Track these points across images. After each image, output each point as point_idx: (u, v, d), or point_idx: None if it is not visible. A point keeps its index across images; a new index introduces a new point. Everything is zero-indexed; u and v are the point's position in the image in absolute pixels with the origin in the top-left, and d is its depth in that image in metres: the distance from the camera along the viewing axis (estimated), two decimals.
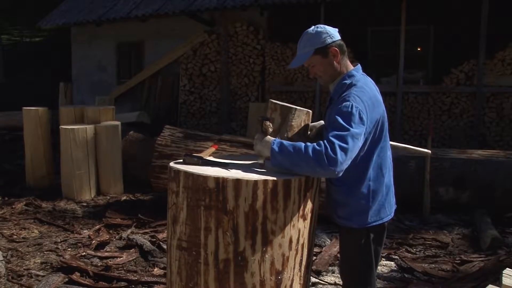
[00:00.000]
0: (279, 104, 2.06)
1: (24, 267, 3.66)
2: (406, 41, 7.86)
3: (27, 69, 16.44)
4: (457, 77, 7.60)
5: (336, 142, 1.78)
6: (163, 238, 4.18)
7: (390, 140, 2.15)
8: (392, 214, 2.14)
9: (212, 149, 2.40)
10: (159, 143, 5.29)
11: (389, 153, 2.10)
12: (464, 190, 5.01)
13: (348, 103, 1.88)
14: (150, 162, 5.28)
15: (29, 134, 6.20)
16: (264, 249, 1.80)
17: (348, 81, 2.02)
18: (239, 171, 1.87)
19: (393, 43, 8.66)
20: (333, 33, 2.03)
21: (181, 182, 1.84)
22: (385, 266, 3.80)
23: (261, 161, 1.98)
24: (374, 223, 2.05)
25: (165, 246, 3.95)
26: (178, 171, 1.86)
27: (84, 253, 3.91)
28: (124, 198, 5.77)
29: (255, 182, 1.75)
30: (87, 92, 11.53)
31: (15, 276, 3.47)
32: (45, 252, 3.99)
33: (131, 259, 3.83)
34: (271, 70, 8.86)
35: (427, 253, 4.12)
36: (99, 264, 3.73)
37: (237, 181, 1.74)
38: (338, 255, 3.23)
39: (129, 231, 4.46)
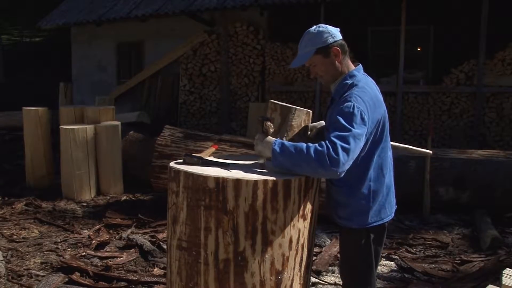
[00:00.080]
0: (279, 104, 2.06)
1: (24, 267, 3.66)
2: (406, 41, 7.86)
3: (27, 69, 16.44)
4: (457, 77, 7.60)
5: (338, 142, 1.77)
6: (163, 238, 4.18)
7: (390, 140, 2.15)
8: (393, 215, 2.14)
9: (212, 149, 2.40)
10: (159, 143, 5.29)
11: (389, 154, 2.10)
12: (464, 190, 5.01)
13: (349, 103, 1.88)
14: (150, 162, 5.28)
15: (29, 134, 6.20)
16: (264, 249, 1.80)
17: (349, 81, 2.01)
18: (240, 171, 1.87)
19: (393, 43, 8.65)
20: (335, 33, 2.02)
21: (181, 182, 1.84)
22: (385, 266, 3.80)
23: (261, 161, 1.98)
24: (375, 224, 2.05)
25: (165, 246, 3.95)
26: (178, 171, 1.86)
27: (84, 253, 3.91)
28: (124, 198, 5.77)
29: (255, 182, 1.75)
30: (87, 92, 11.53)
31: (15, 276, 3.47)
32: (45, 252, 3.99)
33: (131, 259, 3.83)
34: (271, 70, 8.86)
35: (427, 253, 4.12)
36: (99, 264, 3.73)
37: (237, 181, 1.74)
38: (338, 255, 3.23)
39: (129, 231, 4.46)
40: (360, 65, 2.10)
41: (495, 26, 7.37)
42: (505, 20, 7.55)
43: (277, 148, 1.84)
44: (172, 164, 1.97)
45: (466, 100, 7.62)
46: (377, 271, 2.86)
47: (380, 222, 2.07)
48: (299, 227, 1.88)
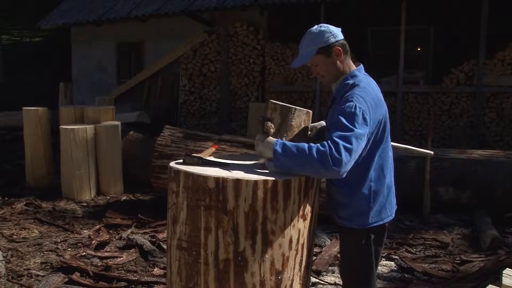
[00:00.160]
0: (279, 104, 2.06)
1: (24, 267, 3.66)
2: (406, 41, 7.86)
3: (27, 69, 16.44)
4: (457, 77, 7.60)
5: (341, 142, 1.77)
6: (163, 238, 4.18)
7: (391, 141, 2.15)
8: (393, 215, 2.14)
9: (212, 149, 2.40)
10: (159, 143, 5.29)
11: (390, 154, 2.10)
12: (464, 190, 5.00)
13: (351, 103, 1.87)
14: (150, 162, 5.28)
15: (29, 134, 6.20)
16: (264, 249, 1.80)
17: (350, 81, 2.01)
18: (240, 171, 1.87)
19: (393, 43, 8.65)
20: (337, 33, 2.02)
21: (181, 182, 1.84)
22: (385, 266, 3.80)
23: (262, 162, 1.97)
24: (375, 224, 2.05)
25: (165, 246, 3.95)
26: (178, 171, 1.86)
27: (84, 253, 3.91)
28: (124, 198, 5.77)
29: (255, 182, 1.74)
30: (87, 92, 11.53)
31: (15, 276, 3.47)
32: (45, 252, 3.99)
33: (131, 259, 3.83)
34: (271, 70, 8.86)
35: (427, 253, 4.11)
36: (99, 264, 3.73)
37: (237, 181, 1.74)
38: (338, 255, 3.23)
39: (129, 231, 4.46)
40: (361, 65, 2.10)
41: (495, 26, 7.37)
42: (505, 20, 7.55)
43: (278, 148, 1.83)
44: (172, 164, 1.97)
45: (466, 100, 7.62)
46: (377, 271, 2.86)
47: (381, 223, 2.06)
48: (299, 227, 1.88)
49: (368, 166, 1.99)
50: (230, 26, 9.23)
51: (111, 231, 4.54)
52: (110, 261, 3.76)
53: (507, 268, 2.09)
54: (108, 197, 5.77)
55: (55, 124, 6.57)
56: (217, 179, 1.75)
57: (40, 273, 3.55)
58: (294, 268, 1.91)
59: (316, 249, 3.93)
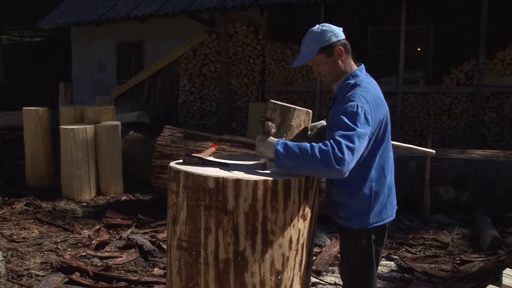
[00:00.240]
0: (278, 104, 2.06)
1: (24, 267, 3.66)
2: (406, 41, 7.86)
3: (27, 69, 16.44)
4: (457, 77, 7.60)
5: (343, 141, 1.76)
6: (163, 238, 4.18)
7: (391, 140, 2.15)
8: (394, 215, 2.13)
9: (212, 149, 2.39)
10: (159, 143, 5.29)
11: (391, 154, 2.10)
12: (464, 190, 5.00)
13: (353, 103, 1.87)
14: (150, 162, 5.28)
15: (29, 134, 6.20)
16: (264, 249, 1.80)
17: (352, 81, 2.01)
18: (240, 172, 1.87)
19: (393, 43, 8.66)
20: (338, 32, 2.02)
21: (181, 182, 1.84)
22: (385, 266, 3.80)
23: (262, 162, 1.97)
24: (375, 224, 2.04)
25: (165, 246, 3.95)
26: (178, 171, 1.86)
27: (84, 253, 3.91)
28: (124, 198, 5.77)
29: (255, 182, 1.74)
30: (87, 92, 11.53)
31: (15, 276, 3.47)
32: (45, 252, 3.99)
33: (131, 259, 3.83)
34: (271, 70, 8.86)
35: (427, 253, 4.11)
36: (99, 264, 3.73)
37: (237, 181, 1.74)
38: (338, 255, 3.23)
39: (129, 231, 4.46)
40: (363, 65, 2.10)
41: (495, 26, 7.37)
42: (505, 20, 7.55)
43: (280, 148, 1.83)
44: (172, 164, 1.97)
45: (466, 100, 7.62)
46: (377, 271, 2.87)
47: (381, 223, 2.06)
48: (299, 227, 1.88)
49: (369, 166, 1.99)
50: (230, 26, 9.23)
51: (111, 231, 4.54)
52: (110, 261, 3.76)
53: (507, 268, 2.09)
54: (108, 197, 5.77)
55: (55, 124, 6.57)
56: (217, 179, 1.75)
57: (40, 273, 3.55)
58: (294, 268, 1.91)
59: (316, 249, 3.93)
